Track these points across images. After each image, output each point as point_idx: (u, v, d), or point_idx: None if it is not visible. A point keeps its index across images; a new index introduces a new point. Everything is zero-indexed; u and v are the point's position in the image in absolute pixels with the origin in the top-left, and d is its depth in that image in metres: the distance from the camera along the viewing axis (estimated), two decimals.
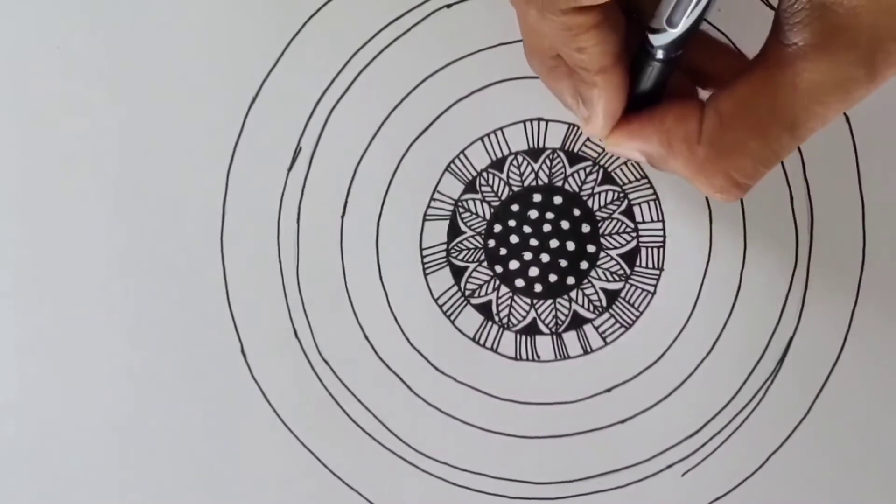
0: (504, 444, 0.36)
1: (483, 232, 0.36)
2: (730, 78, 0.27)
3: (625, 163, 0.36)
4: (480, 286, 0.36)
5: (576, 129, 0.36)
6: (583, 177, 0.36)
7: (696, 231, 0.36)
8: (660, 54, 0.28)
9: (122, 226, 0.36)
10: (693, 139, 0.28)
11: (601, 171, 0.36)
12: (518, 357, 0.36)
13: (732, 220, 0.36)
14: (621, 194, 0.36)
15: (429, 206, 0.36)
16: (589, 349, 0.36)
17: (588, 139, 0.36)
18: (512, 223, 0.36)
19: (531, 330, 0.36)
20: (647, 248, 0.36)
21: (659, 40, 0.27)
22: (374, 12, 0.36)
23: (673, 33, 0.27)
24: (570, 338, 0.36)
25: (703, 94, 0.31)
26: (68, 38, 0.36)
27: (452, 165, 0.36)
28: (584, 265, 0.36)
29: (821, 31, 0.25)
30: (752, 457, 0.36)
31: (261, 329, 0.36)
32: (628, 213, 0.36)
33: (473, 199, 0.36)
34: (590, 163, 0.36)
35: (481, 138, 0.36)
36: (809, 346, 0.36)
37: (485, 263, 0.36)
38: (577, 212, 0.36)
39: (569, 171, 0.36)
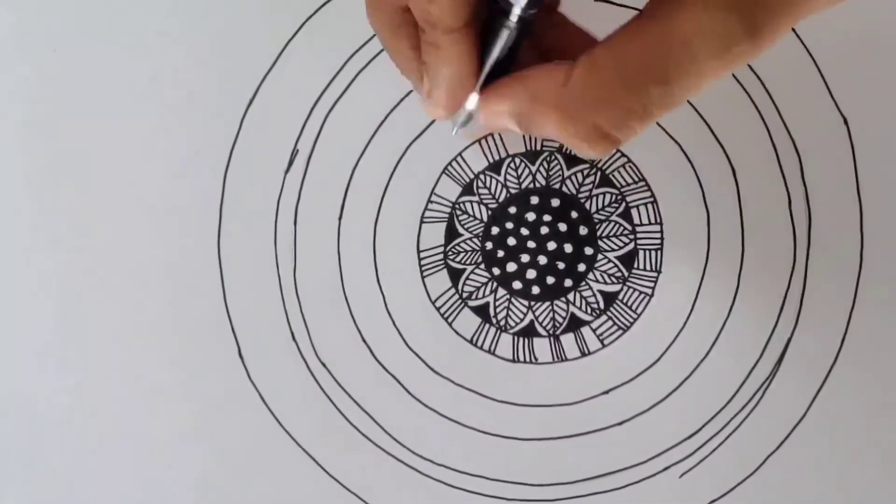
0: (502, 445, 0.36)
1: (480, 234, 0.36)
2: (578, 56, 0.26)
3: (622, 165, 0.36)
4: (478, 288, 0.36)
5: None
6: (580, 179, 0.36)
7: (694, 233, 0.36)
8: (516, 11, 0.26)
9: (119, 228, 0.36)
10: (559, 87, 0.26)
11: (599, 173, 0.36)
12: (516, 359, 0.36)
13: (730, 223, 0.36)
14: (619, 196, 0.36)
15: (426, 209, 0.36)
16: (586, 351, 0.36)
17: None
18: (509, 225, 0.36)
19: (529, 332, 0.36)
20: (644, 250, 0.36)
21: None
22: None
23: None
24: (568, 340, 0.36)
25: None
26: (65, 40, 0.36)
27: (450, 168, 0.36)
28: (581, 267, 0.36)
29: None
30: (749, 458, 0.36)
31: (258, 332, 0.36)
32: (626, 215, 0.36)
33: (471, 202, 0.36)
34: (587, 165, 0.36)
35: (479, 141, 0.36)
36: (807, 348, 0.36)
37: (482, 266, 0.36)
38: (574, 214, 0.36)
39: (566, 173, 0.36)
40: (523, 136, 0.36)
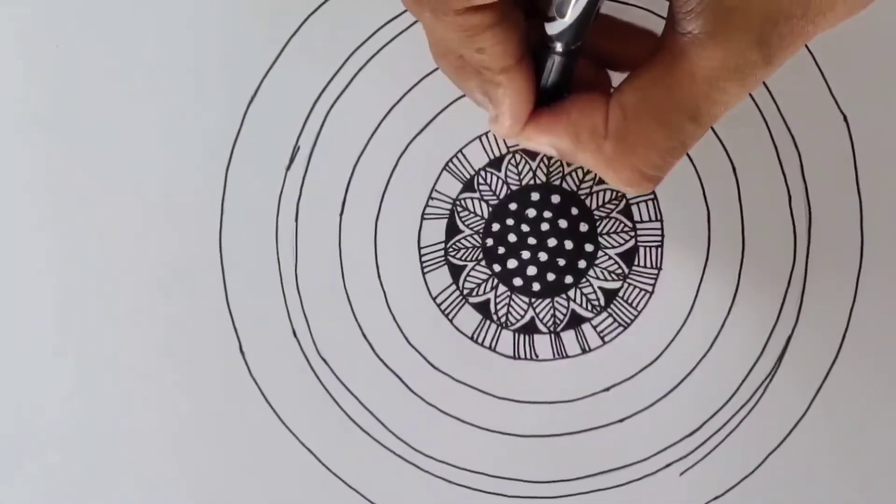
0: (502, 442, 0.36)
1: (481, 231, 0.36)
2: (642, 59, 0.27)
3: None
4: (478, 285, 0.36)
5: None
6: (581, 175, 0.36)
7: (695, 230, 0.36)
8: (558, 47, 0.27)
9: (121, 225, 0.36)
10: (600, 133, 0.28)
11: None
12: (516, 356, 0.36)
13: (731, 220, 0.36)
14: (619, 193, 0.36)
15: (427, 205, 0.36)
16: (587, 348, 0.36)
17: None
18: (510, 222, 0.36)
19: (529, 329, 0.36)
20: (645, 247, 0.36)
21: (552, 29, 0.27)
22: (372, 10, 0.36)
23: (564, 22, 0.26)
24: (569, 337, 0.36)
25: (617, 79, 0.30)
26: (67, 37, 0.36)
27: (451, 164, 0.36)
28: (582, 264, 0.36)
29: (714, 19, 0.24)
30: (750, 456, 0.36)
31: (259, 328, 0.36)
32: (626, 212, 0.36)
33: (472, 198, 0.36)
34: None
35: (479, 137, 0.36)
36: (808, 346, 0.36)
37: (483, 262, 0.36)
38: (575, 211, 0.36)
39: (567, 169, 0.36)
40: None
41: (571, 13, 0.26)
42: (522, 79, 0.28)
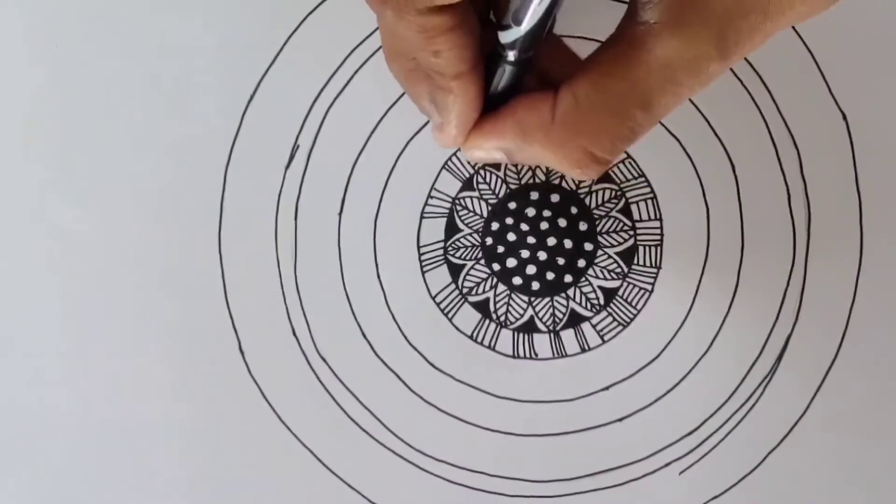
0: (502, 441, 0.36)
1: (480, 230, 0.36)
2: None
3: (622, 161, 0.36)
4: (478, 284, 0.36)
5: None
6: None
7: (694, 229, 0.36)
8: (511, 56, 0.27)
9: (119, 224, 0.36)
10: (547, 122, 0.27)
11: None
12: (516, 355, 0.36)
13: (730, 218, 0.36)
14: (619, 192, 0.36)
15: (426, 204, 0.36)
16: (586, 347, 0.36)
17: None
18: (509, 221, 0.36)
19: (529, 328, 0.36)
20: (644, 246, 0.36)
21: (506, 37, 0.27)
22: (370, 9, 0.36)
23: (519, 31, 0.26)
24: (568, 336, 0.36)
25: None
26: (67, 37, 0.36)
27: (450, 163, 0.36)
28: (581, 263, 0.36)
29: (673, 10, 0.25)
30: (750, 455, 0.36)
31: (259, 327, 0.36)
32: (626, 211, 0.36)
33: (471, 197, 0.36)
34: None
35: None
36: (807, 344, 0.36)
37: (482, 261, 0.36)
38: (574, 210, 0.36)
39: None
40: None
41: (527, 22, 0.26)
42: (474, 86, 0.28)
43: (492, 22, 0.29)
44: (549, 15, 0.26)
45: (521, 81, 0.29)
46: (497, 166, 0.36)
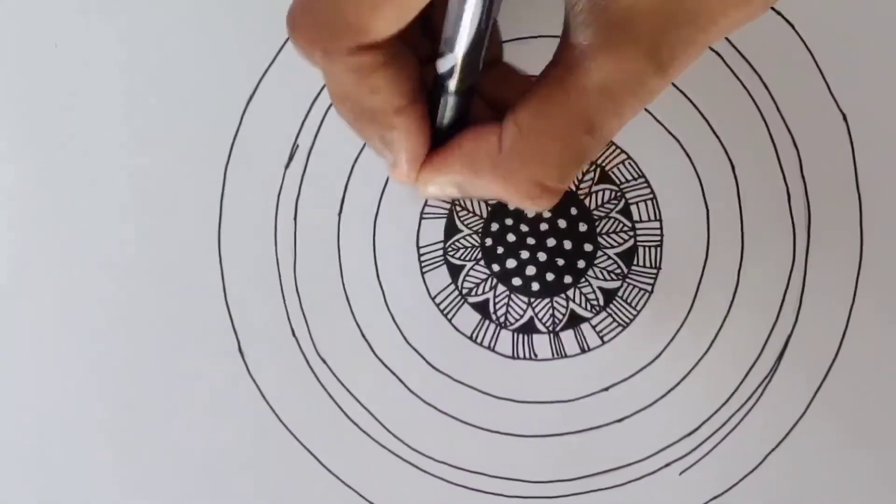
0: (501, 442, 0.36)
1: (480, 230, 0.36)
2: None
3: (622, 162, 0.36)
4: (477, 285, 0.36)
5: None
6: (580, 175, 0.36)
7: (694, 230, 0.36)
8: (451, 85, 0.27)
9: (118, 223, 0.36)
10: (494, 153, 0.27)
11: (598, 169, 0.36)
12: (515, 356, 0.36)
13: (730, 219, 0.36)
14: (618, 193, 0.36)
15: (426, 205, 0.36)
16: (586, 348, 0.36)
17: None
18: (509, 222, 0.36)
19: (528, 329, 0.36)
20: (644, 246, 0.36)
21: (443, 65, 0.26)
22: None
23: (455, 56, 0.26)
24: (568, 336, 0.36)
25: None
26: (65, 37, 0.36)
27: None
28: (581, 264, 0.36)
29: (602, 29, 0.24)
30: (749, 455, 0.36)
31: (258, 327, 0.36)
32: (625, 211, 0.36)
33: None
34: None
35: None
36: (807, 344, 0.36)
37: (482, 262, 0.36)
38: (574, 210, 0.36)
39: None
40: None
41: (460, 47, 0.25)
42: (417, 120, 0.27)
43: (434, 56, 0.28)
44: (481, 38, 0.25)
45: (468, 112, 0.28)
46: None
